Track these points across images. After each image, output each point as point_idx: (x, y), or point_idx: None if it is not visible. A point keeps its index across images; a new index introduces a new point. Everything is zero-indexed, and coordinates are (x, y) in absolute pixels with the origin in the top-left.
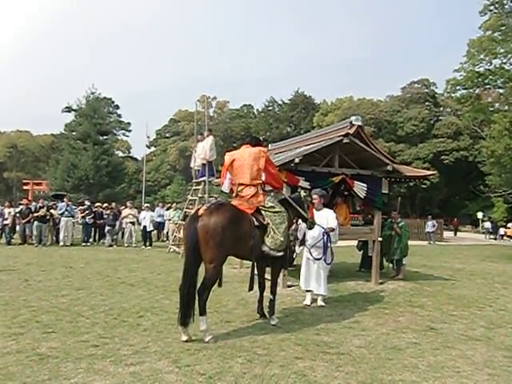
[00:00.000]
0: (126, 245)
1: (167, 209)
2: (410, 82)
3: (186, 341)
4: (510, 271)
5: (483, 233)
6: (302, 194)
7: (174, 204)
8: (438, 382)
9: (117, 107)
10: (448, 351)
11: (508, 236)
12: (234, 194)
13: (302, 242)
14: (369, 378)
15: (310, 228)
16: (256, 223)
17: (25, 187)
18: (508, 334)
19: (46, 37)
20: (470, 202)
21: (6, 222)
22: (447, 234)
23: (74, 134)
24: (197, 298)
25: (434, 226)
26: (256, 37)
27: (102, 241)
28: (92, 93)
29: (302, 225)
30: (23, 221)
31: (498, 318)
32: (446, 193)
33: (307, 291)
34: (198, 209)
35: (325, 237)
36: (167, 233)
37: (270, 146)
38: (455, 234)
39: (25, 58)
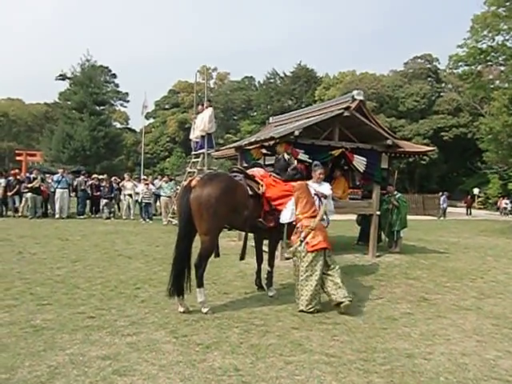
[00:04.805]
0: (124, 218)
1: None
2: (413, 56)
3: (183, 312)
4: (502, 245)
5: (499, 211)
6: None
7: (166, 176)
8: (428, 350)
9: (114, 76)
10: (440, 320)
11: None
12: None
13: None
14: (363, 347)
15: None
16: (250, 192)
17: (18, 158)
18: (497, 304)
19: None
20: (466, 178)
21: None
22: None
23: (69, 103)
24: (194, 270)
25: (445, 201)
26: (259, 8)
27: (98, 214)
28: (87, 60)
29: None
30: (10, 193)
31: (488, 289)
32: (445, 169)
33: None
34: (191, 180)
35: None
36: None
37: (270, 118)
38: (468, 213)
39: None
